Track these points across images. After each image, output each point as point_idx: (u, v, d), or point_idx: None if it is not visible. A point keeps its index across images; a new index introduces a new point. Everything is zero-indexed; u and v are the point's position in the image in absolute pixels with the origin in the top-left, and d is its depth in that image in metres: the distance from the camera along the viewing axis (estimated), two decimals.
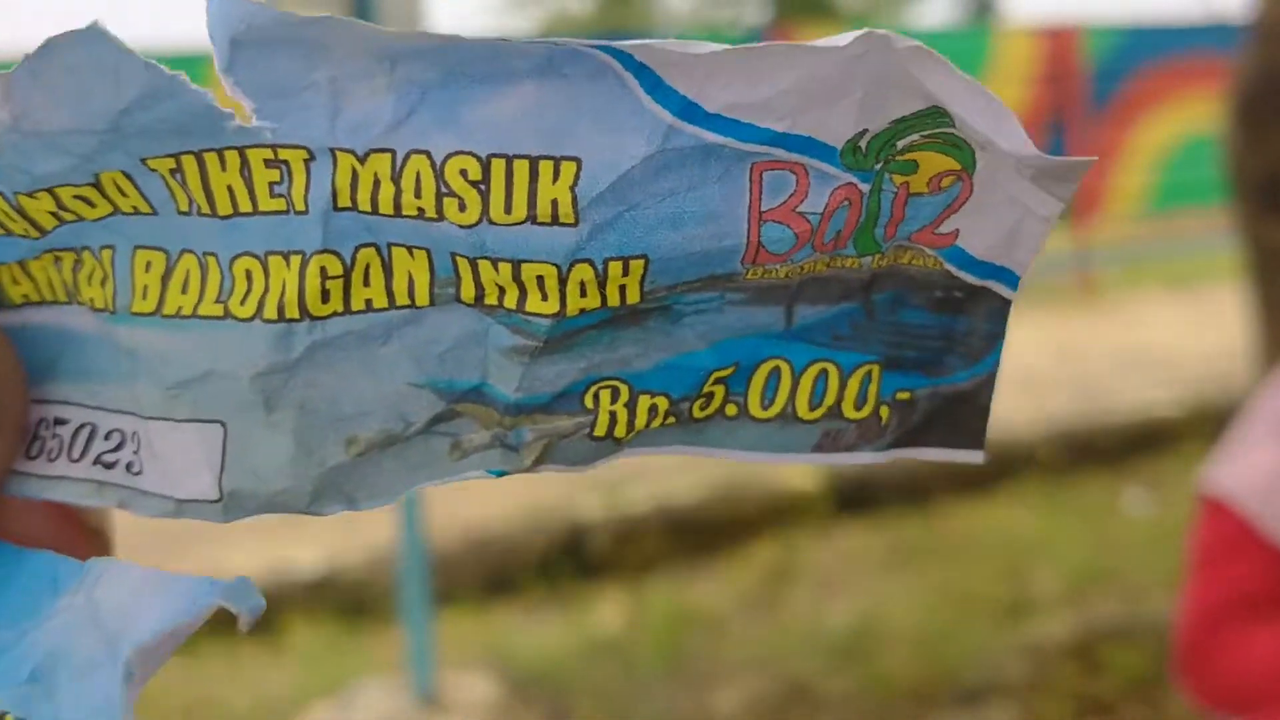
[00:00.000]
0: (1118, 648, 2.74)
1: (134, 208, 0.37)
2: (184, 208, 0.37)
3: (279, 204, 0.36)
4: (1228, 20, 7.01)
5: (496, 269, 0.36)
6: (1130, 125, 7.40)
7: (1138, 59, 7.40)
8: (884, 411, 0.41)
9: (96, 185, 0.37)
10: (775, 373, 0.40)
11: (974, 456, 0.42)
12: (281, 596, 3.14)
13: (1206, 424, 4.05)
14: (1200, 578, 1.23)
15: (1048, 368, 5.22)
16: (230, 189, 0.36)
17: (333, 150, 0.35)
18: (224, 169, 0.36)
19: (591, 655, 2.90)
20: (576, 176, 0.35)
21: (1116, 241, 7.92)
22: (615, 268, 0.36)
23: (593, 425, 0.39)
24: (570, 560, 3.40)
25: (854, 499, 3.72)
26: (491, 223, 0.35)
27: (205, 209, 0.36)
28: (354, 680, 2.76)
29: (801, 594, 3.24)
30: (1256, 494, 1.19)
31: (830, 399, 0.40)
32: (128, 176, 0.36)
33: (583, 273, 0.36)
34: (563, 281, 0.36)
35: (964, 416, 0.42)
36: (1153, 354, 5.36)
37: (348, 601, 3.19)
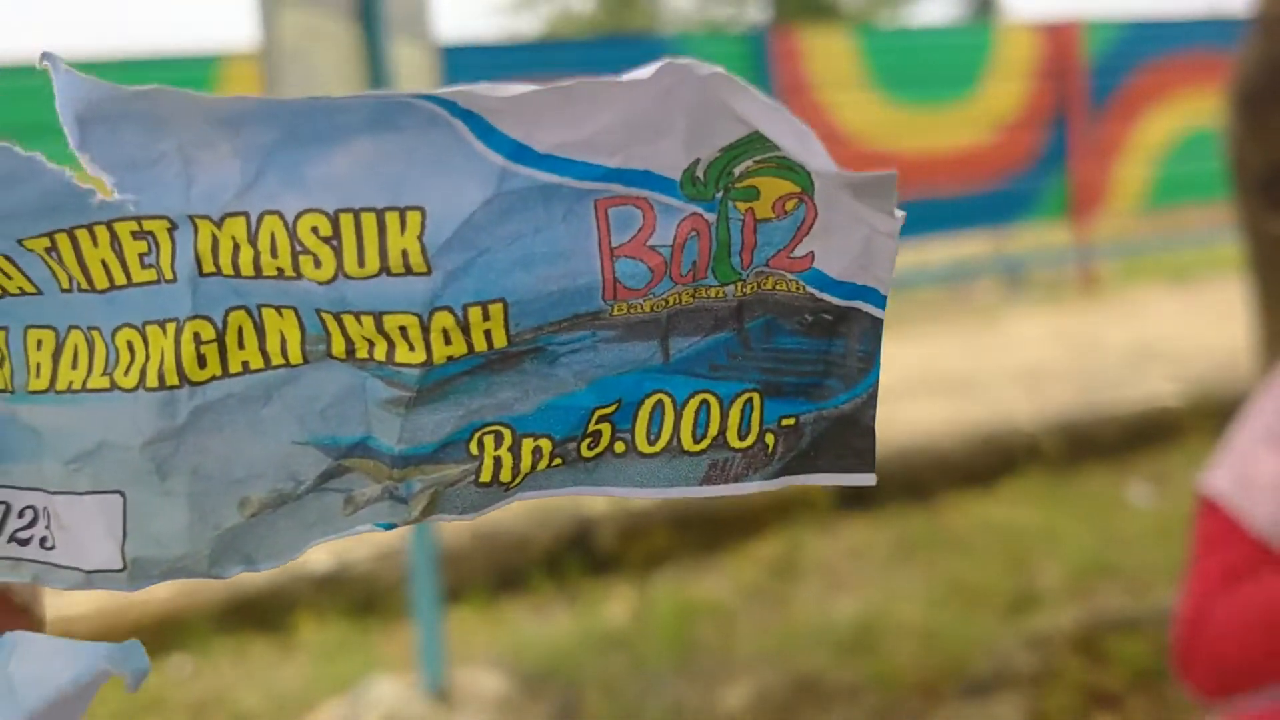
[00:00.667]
0: (1123, 639, 2.75)
1: (20, 289, 0.38)
2: (65, 285, 0.38)
3: (150, 274, 0.37)
4: (1228, 15, 7.02)
5: (360, 322, 0.37)
6: (1131, 120, 7.40)
7: (1138, 54, 7.40)
8: (770, 439, 0.42)
9: None
10: (659, 407, 0.41)
11: (865, 479, 0.44)
12: (291, 594, 3.15)
13: (1209, 417, 4.06)
14: (1194, 574, 1.25)
15: (1050, 361, 5.22)
16: (104, 263, 0.37)
17: (191, 218, 0.37)
18: (95, 244, 0.37)
19: (600, 650, 2.91)
20: (423, 225, 0.36)
21: (1118, 236, 7.92)
22: (475, 313, 0.37)
23: (478, 472, 0.40)
24: (578, 556, 3.41)
25: (857, 494, 3.73)
26: (348, 277, 0.37)
27: (84, 285, 0.38)
28: (364, 676, 2.77)
29: (807, 589, 3.25)
30: (1248, 496, 1.21)
31: (714, 429, 0.41)
32: (8, 259, 0.38)
33: (444, 320, 0.37)
34: (426, 330, 0.37)
35: (850, 439, 0.43)
36: (1155, 347, 5.36)
37: (358, 598, 3.20)
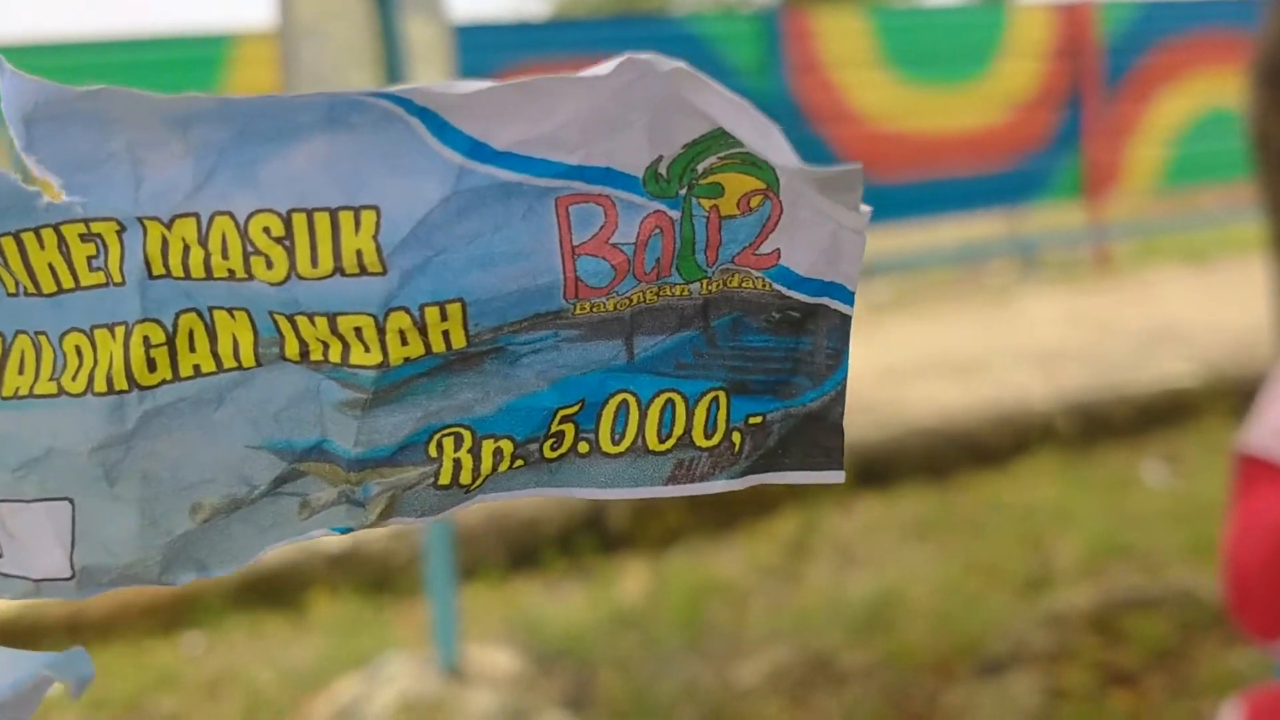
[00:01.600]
0: (1138, 617, 2.74)
1: None
2: (11, 289, 0.37)
3: (98, 278, 0.37)
4: None
5: (314, 324, 0.37)
6: (1146, 100, 7.35)
7: (1153, 33, 7.36)
8: (736, 437, 0.42)
9: None
10: (624, 406, 0.41)
11: (834, 477, 0.43)
12: (306, 571, 3.16)
13: (1224, 397, 4.05)
14: (1234, 518, 1.24)
15: (1064, 342, 5.21)
16: (51, 267, 0.37)
17: (140, 219, 0.36)
18: (42, 247, 0.37)
19: (613, 628, 2.91)
20: (377, 225, 0.36)
21: (1132, 216, 7.88)
22: (432, 313, 0.37)
23: (437, 474, 0.39)
24: (591, 534, 3.41)
25: (873, 473, 3.73)
26: (300, 278, 0.36)
27: (31, 289, 0.37)
28: (378, 653, 2.78)
29: (822, 567, 3.25)
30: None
31: (679, 428, 0.41)
32: None
33: (400, 321, 0.37)
34: (381, 331, 0.37)
35: (819, 437, 0.42)
36: (1169, 327, 5.34)
37: (372, 575, 3.21)
